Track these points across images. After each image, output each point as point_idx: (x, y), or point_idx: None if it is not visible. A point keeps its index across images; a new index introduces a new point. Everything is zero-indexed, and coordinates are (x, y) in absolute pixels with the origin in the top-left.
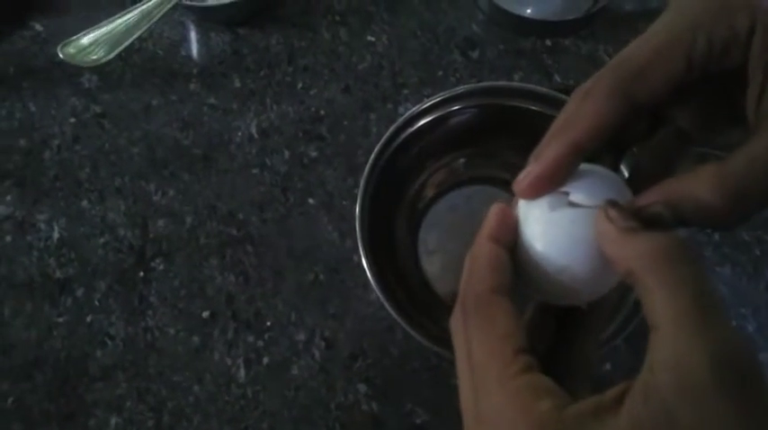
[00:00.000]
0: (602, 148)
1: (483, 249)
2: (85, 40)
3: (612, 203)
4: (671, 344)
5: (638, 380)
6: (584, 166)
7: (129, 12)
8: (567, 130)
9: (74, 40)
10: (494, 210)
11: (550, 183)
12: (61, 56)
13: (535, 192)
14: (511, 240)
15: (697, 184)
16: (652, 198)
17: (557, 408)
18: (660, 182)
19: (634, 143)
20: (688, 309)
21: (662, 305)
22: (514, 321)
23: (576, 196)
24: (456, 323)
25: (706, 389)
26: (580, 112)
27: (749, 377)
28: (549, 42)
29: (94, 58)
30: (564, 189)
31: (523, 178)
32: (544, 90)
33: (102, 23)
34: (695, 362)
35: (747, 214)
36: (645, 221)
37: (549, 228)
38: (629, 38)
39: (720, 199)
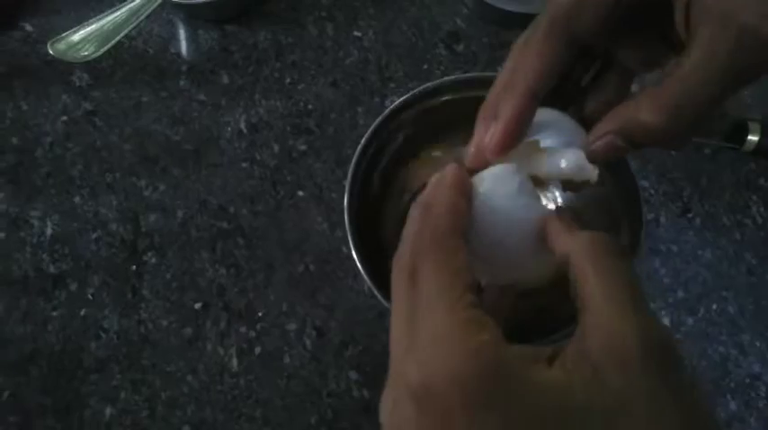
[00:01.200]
0: (550, 97)
1: (442, 195)
2: (75, 36)
3: (562, 209)
4: (604, 319)
5: (570, 344)
6: (538, 113)
7: (116, 9)
8: (519, 81)
9: (64, 37)
10: (451, 167)
11: (517, 137)
12: (51, 52)
13: (504, 150)
14: (469, 192)
15: (638, 108)
16: (604, 128)
17: (496, 343)
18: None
19: (578, 89)
20: (620, 291)
21: (596, 288)
22: (467, 260)
23: (545, 142)
24: (401, 260)
25: (633, 359)
26: (526, 60)
27: (671, 355)
28: None
29: (85, 54)
30: (531, 138)
31: (490, 139)
32: None
33: (90, 21)
34: (626, 335)
35: (688, 129)
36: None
37: (495, 201)
38: None
39: (660, 117)
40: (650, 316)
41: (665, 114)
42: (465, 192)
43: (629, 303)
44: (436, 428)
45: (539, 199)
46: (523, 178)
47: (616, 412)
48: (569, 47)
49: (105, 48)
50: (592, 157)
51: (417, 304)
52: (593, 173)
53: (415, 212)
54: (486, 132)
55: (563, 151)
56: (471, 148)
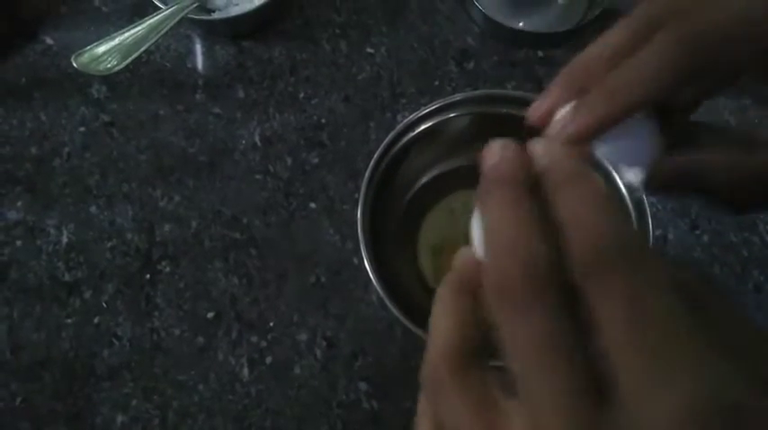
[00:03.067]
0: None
1: (445, 306)
2: (98, 50)
3: None
4: None
5: None
6: None
7: (137, 25)
8: (633, 82)
9: (87, 50)
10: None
11: (587, 139)
12: (75, 64)
13: (579, 139)
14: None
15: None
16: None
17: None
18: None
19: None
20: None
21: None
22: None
23: (600, 151)
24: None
25: None
26: (642, 69)
27: None
28: (540, 53)
29: (108, 66)
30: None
31: (562, 127)
32: (537, 98)
33: (113, 35)
34: None
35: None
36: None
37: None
38: None
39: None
40: None
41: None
42: (471, 287)
43: None
44: None
45: None
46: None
47: None
48: (695, 72)
49: (126, 62)
50: (656, 185)
51: None
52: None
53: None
54: (566, 111)
55: (621, 169)
56: (537, 113)
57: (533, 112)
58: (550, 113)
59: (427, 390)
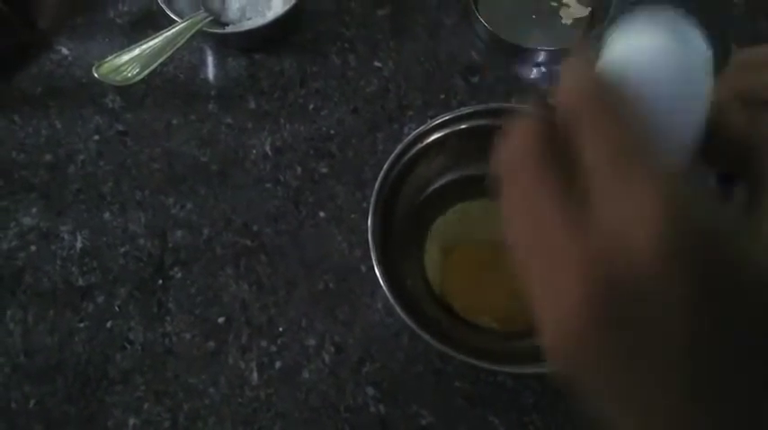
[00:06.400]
0: None
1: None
2: (118, 60)
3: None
4: None
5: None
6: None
7: (155, 37)
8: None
9: (108, 61)
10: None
11: None
12: (95, 74)
13: None
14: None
15: None
16: None
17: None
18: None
19: None
20: None
21: None
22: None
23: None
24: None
25: None
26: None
27: None
28: (544, 69)
29: (129, 76)
30: None
31: None
32: None
33: (132, 47)
34: None
35: None
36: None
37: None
38: None
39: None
40: None
41: None
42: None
43: None
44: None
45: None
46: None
47: None
48: None
49: (145, 72)
50: None
51: (593, 175)
52: None
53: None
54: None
55: None
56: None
57: None
58: None
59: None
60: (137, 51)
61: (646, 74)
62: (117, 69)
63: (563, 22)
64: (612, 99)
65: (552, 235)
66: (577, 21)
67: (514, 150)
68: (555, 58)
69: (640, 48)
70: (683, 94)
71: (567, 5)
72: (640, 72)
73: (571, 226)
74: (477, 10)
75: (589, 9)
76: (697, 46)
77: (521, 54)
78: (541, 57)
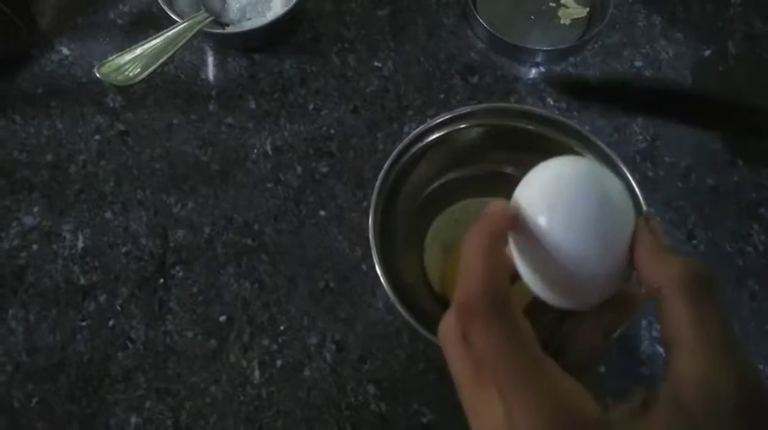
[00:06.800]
0: None
1: (482, 248)
2: (120, 60)
3: (651, 216)
4: (699, 362)
5: (662, 391)
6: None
7: (156, 37)
8: None
9: (110, 60)
10: (493, 205)
11: None
12: (97, 74)
13: None
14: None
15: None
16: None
17: (602, 413)
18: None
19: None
20: (717, 334)
21: (690, 331)
22: (526, 322)
23: None
24: (454, 332)
25: (731, 407)
26: None
27: (763, 400)
28: (542, 68)
29: (130, 76)
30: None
31: None
32: (540, 111)
33: (134, 47)
34: (723, 381)
35: None
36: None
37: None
38: (615, 65)
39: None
40: (747, 358)
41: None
42: (504, 235)
43: (725, 348)
44: None
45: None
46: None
47: None
48: None
49: (147, 72)
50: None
51: (502, 382)
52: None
53: (462, 264)
54: None
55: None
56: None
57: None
58: None
59: (457, 328)
60: (138, 51)
61: (565, 188)
62: (119, 69)
63: (561, 22)
64: (496, 309)
65: (465, 391)
66: (576, 21)
67: (446, 328)
68: (553, 57)
69: (561, 171)
70: (605, 216)
71: (566, 6)
72: (559, 187)
73: (473, 396)
74: (476, 10)
75: (587, 9)
76: (614, 178)
77: (519, 54)
78: (540, 57)
